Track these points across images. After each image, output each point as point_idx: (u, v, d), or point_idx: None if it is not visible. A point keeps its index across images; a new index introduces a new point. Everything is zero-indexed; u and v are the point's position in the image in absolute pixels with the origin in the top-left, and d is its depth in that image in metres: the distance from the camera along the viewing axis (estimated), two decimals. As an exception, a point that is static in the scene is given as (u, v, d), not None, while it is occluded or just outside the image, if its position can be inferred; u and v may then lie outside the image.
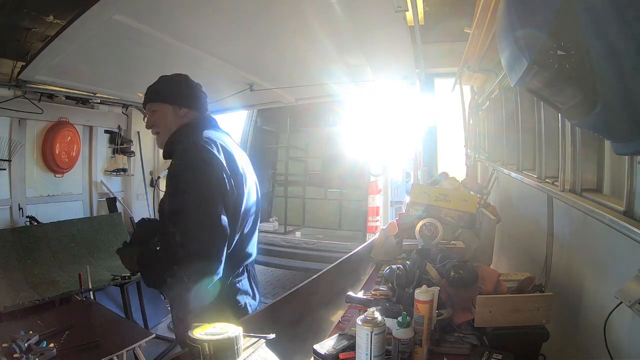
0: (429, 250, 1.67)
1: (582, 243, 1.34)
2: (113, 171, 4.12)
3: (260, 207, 1.49)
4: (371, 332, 1.00)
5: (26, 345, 1.58)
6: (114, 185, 4.24)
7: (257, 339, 0.92)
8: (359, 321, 1.03)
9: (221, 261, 1.18)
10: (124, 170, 4.20)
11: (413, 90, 3.12)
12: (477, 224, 1.85)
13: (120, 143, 4.18)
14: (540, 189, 1.52)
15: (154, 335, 1.88)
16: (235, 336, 0.83)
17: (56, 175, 3.55)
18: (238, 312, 1.30)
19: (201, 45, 2.20)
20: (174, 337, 3.30)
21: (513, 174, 1.96)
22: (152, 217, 4.57)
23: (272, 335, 0.93)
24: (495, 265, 1.88)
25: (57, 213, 3.51)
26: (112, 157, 4.18)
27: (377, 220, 4.25)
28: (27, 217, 3.13)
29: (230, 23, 1.94)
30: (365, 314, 1.04)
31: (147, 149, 4.56)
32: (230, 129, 5.66)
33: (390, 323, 1.10)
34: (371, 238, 3.01)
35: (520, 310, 1.10)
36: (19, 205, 3.18)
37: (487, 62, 2.56)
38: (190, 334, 0.82)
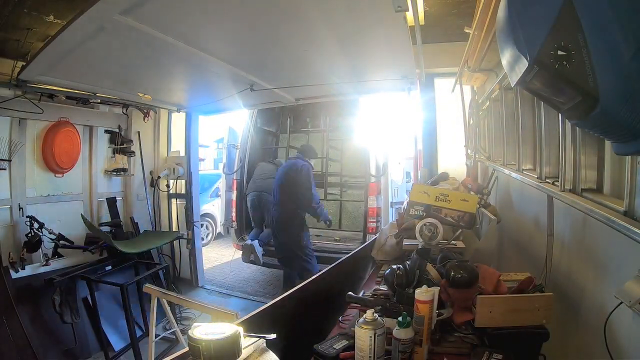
0: (429, 250, 1.67)
1: (582, 243, 1.34)
2: (113, 171, 4.12)
3: None
4: (374, 334, 1.00)
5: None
6: (114, 185, 4.23)
7: (257, 339, 0.92)
8: (359, 324, 1.03)
9: None
10: (124, 170, 4.20)
11: (413, 90, 3.12)
12: (477, 224, 1.85)
13: (120, 143, 4.18)
14: (540, 189, 1.52)
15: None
16: (236, 336, 0.83)
17: (56, 175, 3.55)
18: None
19: (201, 45, 2.20)
20: (174, 337, 3.31)
21: (513, 174, 1.95)
22: (153, 216, 4.56)
23: (272, 336, 0.93)
24: (495, 265, 1.88)
25: (58, 213, 3.52)
26: (112, 157, 4.18)
27: (377, 221, 4.25)
28: (27, 217, 3.13)
29: (230, 23, 1.94)
30: (364, 316, 1.04)
31: (147, 148, 4.56)
32: (230, 128, 5.64)
33: (390, 323, 1.10)
34: (371, 238, 3.01)
35: (520, 310, 1.10)
36: (19, 205, 3.18)
37: (487, 62, 2.56)
38: (190, 334, 0.82)
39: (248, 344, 0.90)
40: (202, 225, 6.14)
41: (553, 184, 1.47)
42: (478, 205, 1.83)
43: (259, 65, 2.70)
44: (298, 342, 1.18)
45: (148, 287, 2.33)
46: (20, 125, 3.20)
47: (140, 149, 4.44)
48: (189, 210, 4.60)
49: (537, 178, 1.63)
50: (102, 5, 1.64)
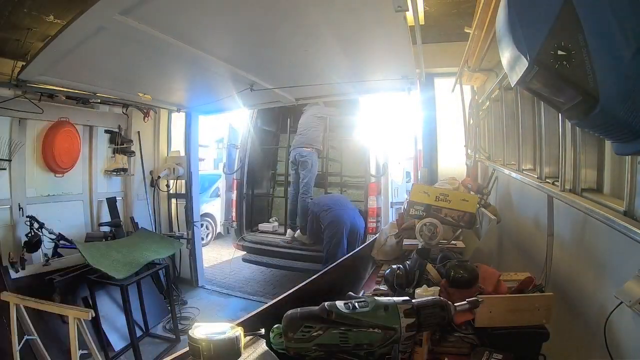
0: (429, 250, 1.67)
1: (582, 243, 1.34)
2: (113, 171, 4.12)
3: None
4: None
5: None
6: (114, 185, 4.24)
7: (258, 338, 0.92)
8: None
9: None
10: (124, 170, 4.20)
11: (413, 90, 3.12)
12: (477, 224, 1.85)
13: (120, 143, 4.18)
14: (540, 189, 1.52)
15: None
16: (236, 336, 0.83)
17: (56, 175, 3.55)
18: None
19: (201, 45, 2.20)
20: (174, 337, 3.32)
21: (513, 174, 1.95)
22: (153, 216, 4.56)
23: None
24: (495, 265, 1.88)
25: (58, 213, 3.52)
26: (112, 157, 4.18)
27: (377, 221, 4.26)
28: (27, 217, 3.13)
29: (230, 23, 1.94)
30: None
31: (147, 148, 4.56)
32: (230, 127, 5.65)
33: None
34: (371, 238, 3.02)
35: (520, 310, 1.10)
36: (19, 205, 3.17)
37: (487, 62, 2.56)
38: (190, 334, 0.82)
39: (248, 343, 0.90)
40: (202, 225, 6.14)
41: (553, 184, 1.47)
42: (478, 205, 1.83)
43: (259, 65, 2.70)
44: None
45: (6, 295, 2.25)
46: (20, 125, 3.20)
47: (140, 149, 4.44)
48: (189, 210, 4.60)
49: (537, 178, 1.63)
50: (102, 5, 1.65)
